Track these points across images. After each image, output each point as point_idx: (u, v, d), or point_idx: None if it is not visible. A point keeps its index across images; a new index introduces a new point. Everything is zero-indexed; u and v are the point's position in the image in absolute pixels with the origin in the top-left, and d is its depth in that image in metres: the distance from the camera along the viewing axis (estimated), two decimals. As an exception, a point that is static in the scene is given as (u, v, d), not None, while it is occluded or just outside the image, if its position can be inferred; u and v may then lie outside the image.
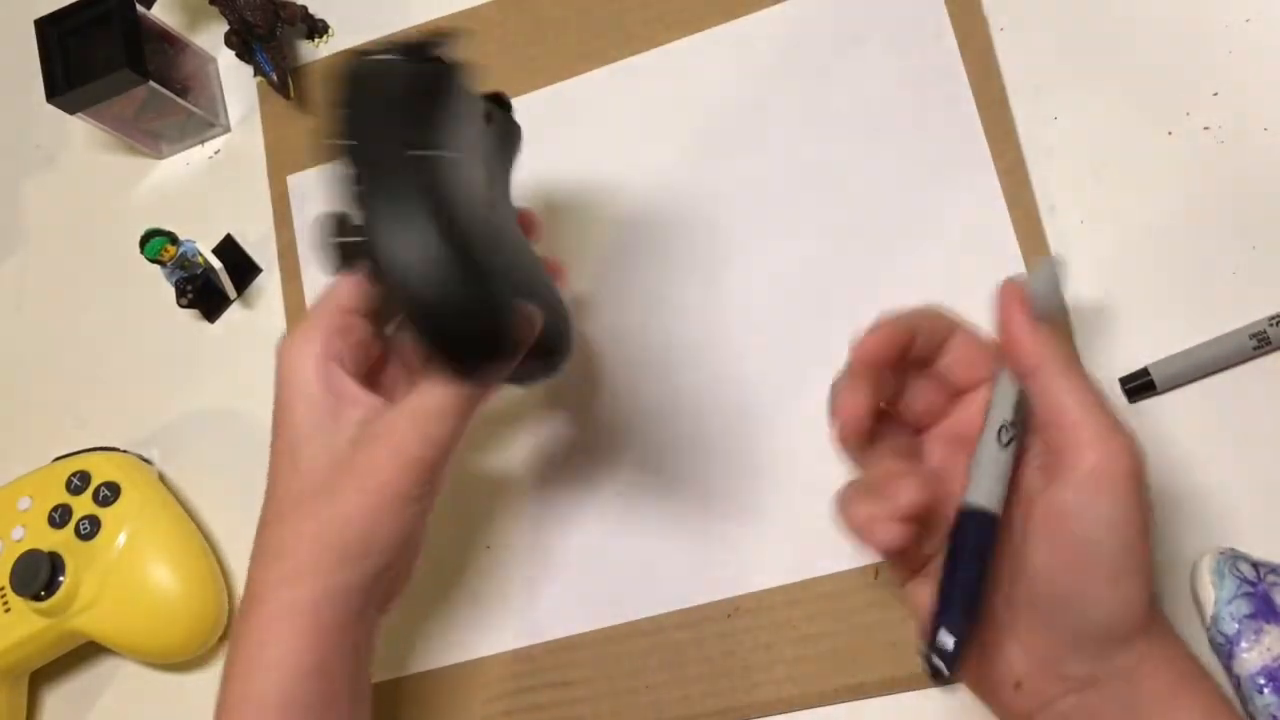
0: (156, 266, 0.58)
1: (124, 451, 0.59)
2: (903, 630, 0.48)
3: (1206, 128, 0.49)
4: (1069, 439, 0.37)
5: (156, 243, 0.56)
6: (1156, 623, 0.39)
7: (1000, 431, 0.39)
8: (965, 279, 0.50)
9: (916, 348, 0.41)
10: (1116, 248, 0.49)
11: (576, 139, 0.58)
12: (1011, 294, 0.40)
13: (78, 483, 0.56)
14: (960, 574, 0.38)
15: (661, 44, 0.57)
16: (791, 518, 0.50)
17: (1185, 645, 0.40)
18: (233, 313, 0.61)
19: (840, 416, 0.40)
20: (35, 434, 0.62)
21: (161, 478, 0.59)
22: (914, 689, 0.48)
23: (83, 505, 0.55)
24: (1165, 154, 0.50)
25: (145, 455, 0.59)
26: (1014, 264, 0.50)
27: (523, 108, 0.58)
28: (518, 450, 0.55)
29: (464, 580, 0.54)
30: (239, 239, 0.62)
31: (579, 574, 0.52)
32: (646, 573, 0.52)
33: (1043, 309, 0.40)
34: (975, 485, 0.39)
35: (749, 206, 0.54)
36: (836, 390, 0.40)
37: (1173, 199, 0.49)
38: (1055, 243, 0.50)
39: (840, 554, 0.49)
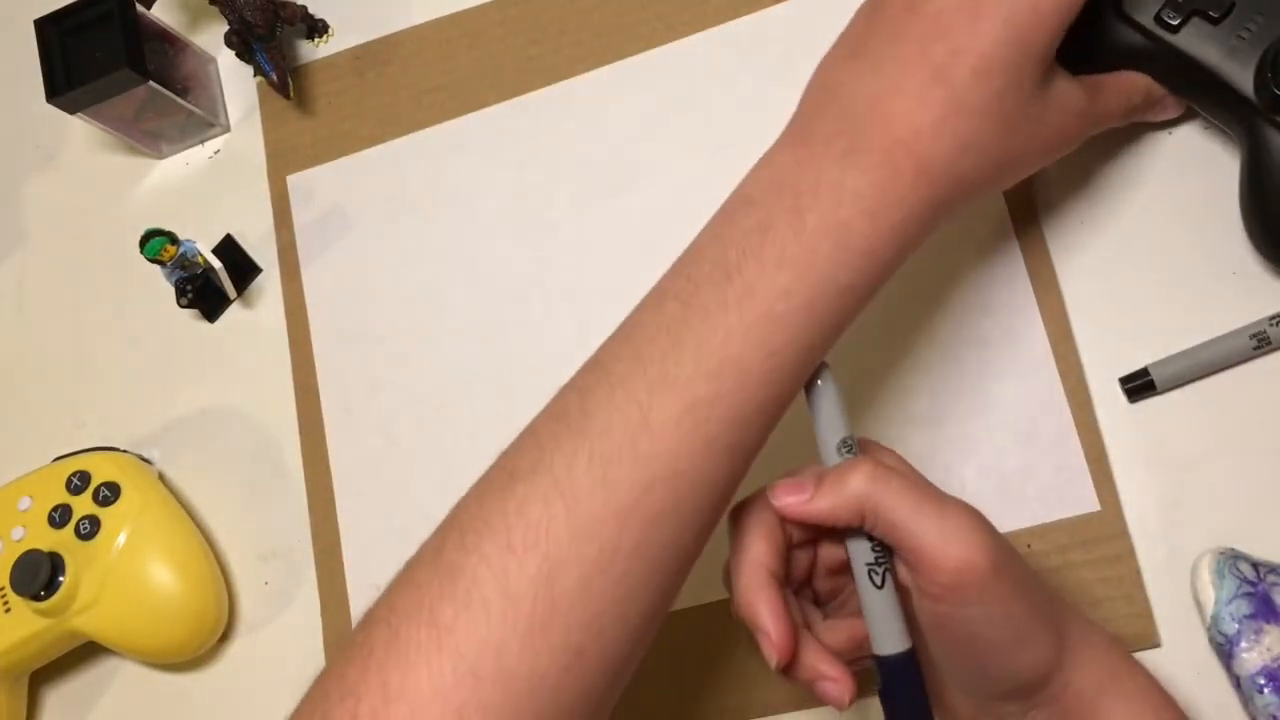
0: (156, 266, 0.57)
1: (124, 451, 0.59)
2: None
3: (1209, 125, 0.49)
4: (917, 561, 0.36)
5: (156, 243, 0.56)
6: (1071, 644, 0.38)
7: (870, 575, 0.38)
8: (966, 281, 0.50)
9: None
10: (1116, 248, 0.49)
11: (578, 139, 0.57)
12: (781, 502, 0.38)
13: (78, 483, 0.56)
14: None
15: (663, 44, 0.57)
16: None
17: (1104, 640, 0.39)
18: (233, 313, 0.61)
19: (778, 648, 0.37)
20: (35, 434, 0.62)
21: (161, 478, 0.59)
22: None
23: (83, 505, 0.55)
24: (1165, 153, 0.50)
25: (145, 455, 0.59)
26: (1016, 264, 0.50)
27: (522, 108, 0.59)
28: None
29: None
30: (239, 239, 0.62)
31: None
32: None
33: (829, 422, 0.39)
34: (875, 637, 0.38)
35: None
36: (754, 605, 0.38)
37: (1173, 199, 0.49)
38: (1055, 243, 0.50)
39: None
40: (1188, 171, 0.49)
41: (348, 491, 0.57)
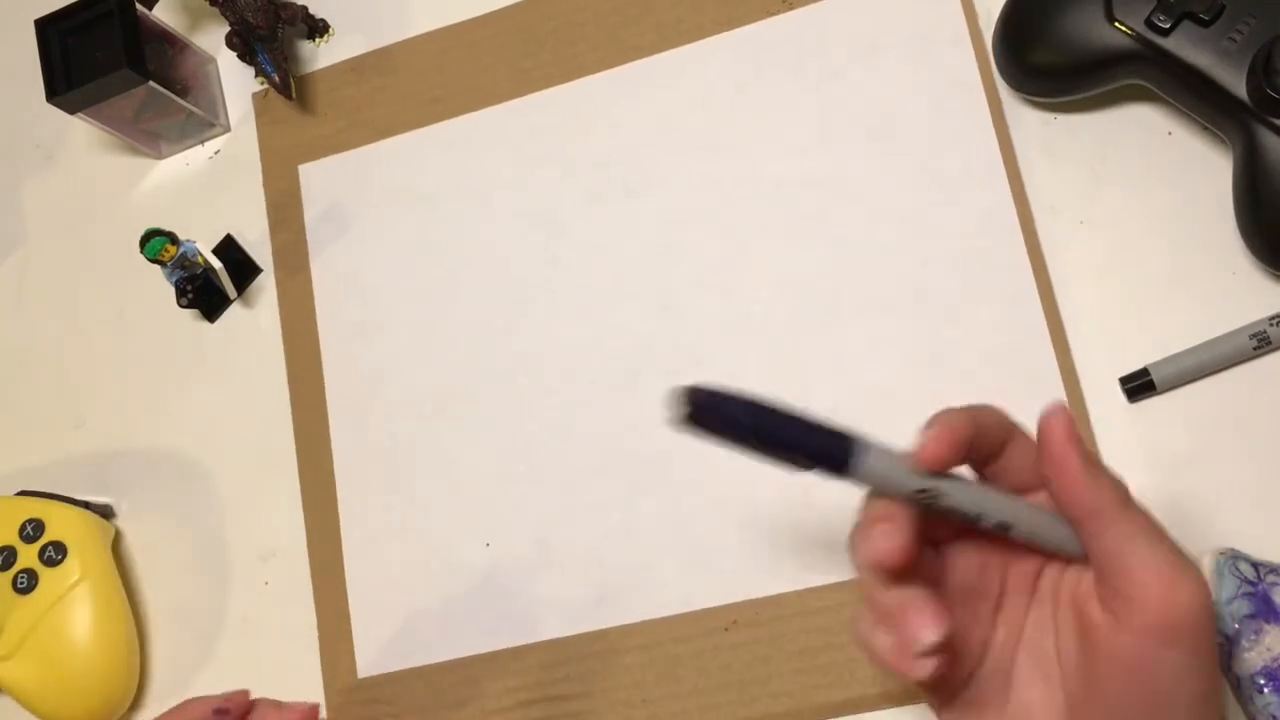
0: (156, 266, 0.57)
1: (88, 506, 0.58)
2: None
3: (1206, 127, 0.49)
4: (1134, 587, 0.34)
5: (156, 243, 0.56)
6: None
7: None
8: (973, 286, 0.50)
9: (973, 451, 0.36)
10: (1116, 248, 0.49)
11: (589, 138, 0.57)
12: (1063, 431, 0.35)
13: (30, 531, 0.56)
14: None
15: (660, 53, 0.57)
16: (792, 526, 0.50)
17: None
18: (233, 313, 0.61)
19: (881, 550, 0.34)
20: (34, 434, 0.62)
21: (118, 537, 0.59)
22: (911, 704, 0.48)
23: (28, 557, 0.55)
24: (1165, 154, 0.50)
25: (110, 508, 0.59)
26: (1022, 274, 0.50)
27: (534, 105, 0.59)
28: (520, 447, 0.55)
29: (463, 577, 0.54)
30: (239, 239, 0.62)
31: (579, 573, 0.52)
32: (646, 575, 0.52)
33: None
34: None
35: (756, 213, 0.54)
36: (874, 519, 0.35)
37: (1172, 199, 0.49)
38: (1055, 243, 0.50)
39: (840, 565, 0.49)
40: (1187, 172, 0.49)
41: (349, 489, 0.57)
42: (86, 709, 0.55)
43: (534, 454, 0.54)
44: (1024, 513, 0.36)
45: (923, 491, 0.35)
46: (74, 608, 0.55)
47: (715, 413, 0.33)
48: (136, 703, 0.57)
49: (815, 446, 0.34)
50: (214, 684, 0.57)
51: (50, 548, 0.55)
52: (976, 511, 0.36)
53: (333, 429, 0.58)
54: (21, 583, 0.55)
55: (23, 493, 0.58)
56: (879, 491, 0.35)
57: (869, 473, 0.34)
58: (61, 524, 0.56)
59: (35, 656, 0.54)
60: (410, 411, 0.57)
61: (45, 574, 0.55)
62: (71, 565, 0.55)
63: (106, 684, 0.55)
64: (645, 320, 0.54)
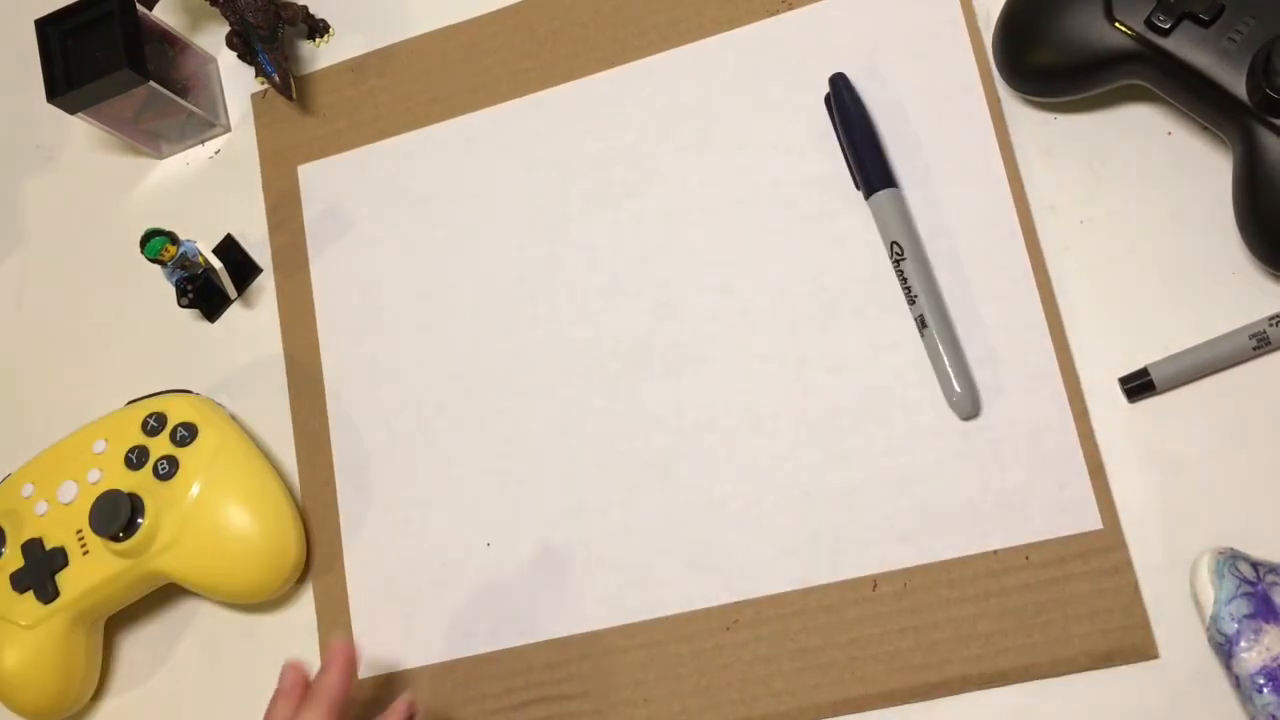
0: (156, 266, 0.57)
1: (196, 394, 0.58)
2: (901, 642, 0.48)
3: (1206, 127, 0.49)
4: None
5: (156, 243, 0.56)
6: None
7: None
8: (973, 285, 0.50)
9: None
10: (1116, 248, 0.49)
11: (576, 145, 0.57)
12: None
13: (154, 424, 0.55)
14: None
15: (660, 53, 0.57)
16: (792, 525, 0.50)
17: None
18: (233, 313, 0.61)
19: None
20: (34, 434, 0.62)
21: (233, 419, 0.58)
22: (913, 701, 0.48)
23: (160, 446, 0.54)
24: (1165, 154, 0.50)
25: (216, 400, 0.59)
26: (1022, 273, 0.50)
27: (534, 105, 0.59)
28: (520, 447, 0.55)
29: (464, 577, 0.54)
30: (239, 239, 0.62)
31: (579, 573, 0.52)
32: (646, 575, 0.52)
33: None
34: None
35: (756, 213, 0.54)
36: None
37: (1172, 199, 0.49)
38: (1055, 243, 0.50)
39: (840, 564, 0.49)
40: (1187, 172, 0.49)
41: (349, 489, 0.57)
42: (262, 572, 0.54)
43: (534, 454, 0.54)
44: (942, 327, 0.48)
45: (897, 244, 0.50)
46: (222, 478, 0.54)
47: (839, 100, 0.52)
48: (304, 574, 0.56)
49: (867, 167, 0.51)
50: (214, 685, 0.57)
51: (179, 430, 0.54)
52: (914, 290, 0.49)
53: (333, 429, 0.58)
54: (163, 469, 0.53)
55: (130, 402, 0.58)
56: (878, 221, 0.51)
57: (875, 205, 0.51)
58: (182, 408, 0.55)
59: (199, 537, 0.53)
60: (410, 411, 0.57)
61: (182, 454, 0.54)
62: (206, 438, 0.54)
63: (273, 543, 0.54)
64: (645, 320, 0.54)
